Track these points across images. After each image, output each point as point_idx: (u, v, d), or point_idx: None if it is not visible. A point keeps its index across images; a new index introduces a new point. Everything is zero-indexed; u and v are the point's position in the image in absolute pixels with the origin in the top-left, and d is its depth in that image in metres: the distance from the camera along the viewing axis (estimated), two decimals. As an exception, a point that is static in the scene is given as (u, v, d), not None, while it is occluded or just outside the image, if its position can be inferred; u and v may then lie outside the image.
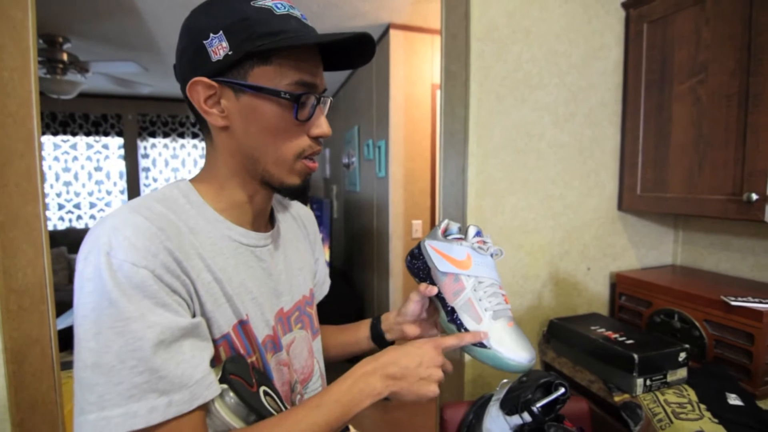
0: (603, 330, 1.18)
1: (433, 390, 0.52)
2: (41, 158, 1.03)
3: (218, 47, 0.47)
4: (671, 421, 0.92)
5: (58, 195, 4.04)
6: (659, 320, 1.24)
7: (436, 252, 0.63)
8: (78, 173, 4.07)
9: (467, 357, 1.30)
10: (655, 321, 1.25)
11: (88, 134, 4.06)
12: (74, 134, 4.01)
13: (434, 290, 0.62)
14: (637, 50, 1.28)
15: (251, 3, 0.48)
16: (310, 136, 0.53)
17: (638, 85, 1.28)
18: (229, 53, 0.47)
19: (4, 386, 0.90)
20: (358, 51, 0.54)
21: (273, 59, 0.48)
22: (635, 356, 1.01)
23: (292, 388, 0.59)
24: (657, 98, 1.23)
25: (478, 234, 0.63)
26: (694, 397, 0.99)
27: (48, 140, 3.96)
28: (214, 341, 0.48)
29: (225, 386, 0.44)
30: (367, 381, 0.50)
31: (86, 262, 0.41)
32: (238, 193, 0.54)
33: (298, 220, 0.71)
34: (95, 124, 4.07)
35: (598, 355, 1.12)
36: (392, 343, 0.73)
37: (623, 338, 1.11)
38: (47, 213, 4.37)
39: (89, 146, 4.09)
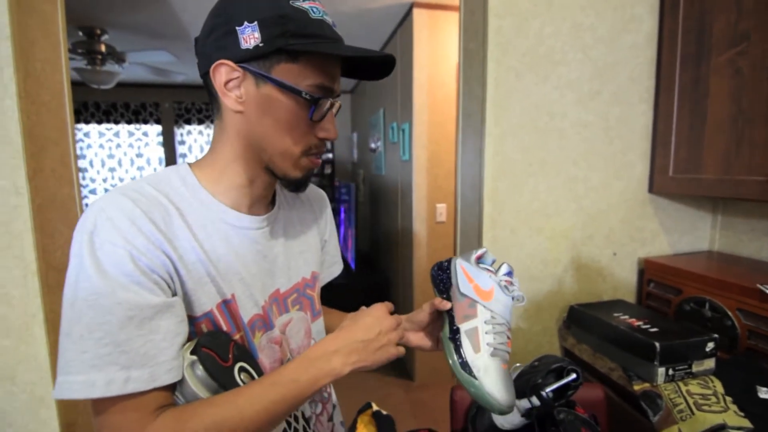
0: (626, 317, 1.14)
1: (391, 353, 0.55)
2: (75, 145, 1.09)
3: (250, 36, 0.48)
4: (692, 413, 0.88)
5: (105, 180, 4.30)
6: (689, 308, 1.18)
7: (464, 273, 0.64)
8: (121, 160, 4.30)
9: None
10: (684, 309, 1.19)
11: (129, 122, 4.27)
12: (116, 122, 4.23)
13: (447, 305, 0.62)
14: (673, 20, 1.18)
15: (290, 2, 0.49)
16: (317, 136, 0.55)
17: (673, 59, 1.19)
18: (260, 45, 0.48)
19: (47, 355, 0.98)
20: (377, 67, 0.56)
21: (300, 59, 0.50)
22: (657, 344, 0.96)
23: None
24: (693, 72, 1.14)
25: (509, 274, 0.64)
26: (720, 388, 0.94)
27: (93, 129, 4.20)
28: (196, 318, 0.50)
29: (194, 358, 0.45)
30: (328, 360, 0.50)
31: (74, 239, 0.45)
32: (239, 176, 0.55)
33: (306, 203, 0.71)
34: (135, 113, 4.27)
35: (618, 343, 1.08)
36: None
37: (647, 326, 1.07)
38: (94, 198, 4.61)
39: (131, 134, 4.30)
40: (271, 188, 0.60)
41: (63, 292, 0.44)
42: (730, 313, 1.07)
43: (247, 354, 0.51)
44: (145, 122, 4.30)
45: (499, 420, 0.91)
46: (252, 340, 0.55)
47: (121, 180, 4.32)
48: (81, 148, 4.18)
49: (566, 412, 0.86)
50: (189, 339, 0.49)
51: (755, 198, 1.02)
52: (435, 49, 2.25)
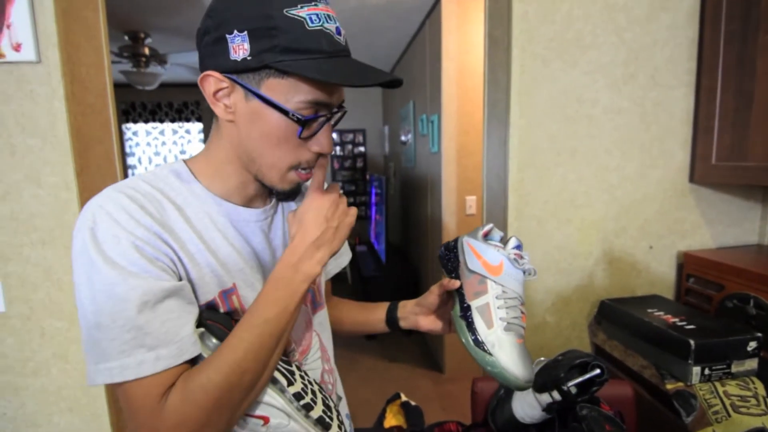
0: (661, 313, 1.09)
1: (349, 223, 0.54)
2: (121, 142, 1.17)
3: (239, 46, 0.46)
4: (729, 415, 0.84)
5: (151, 176, 4.56)
6: (731, 305, 1.11)
7: (471, 249, 0.62)
8: (166, 156, 4.55)
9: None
10: (726, 306, 1.12)
11: (173, 121, 4.49)
12: (161, 121, 4.47)
13: (456, 284, 0.61)
14: (717, -4, 1.10)
15: (284, 11, 0.46)
16: (310, 150, 0.53)
17: (716, 38, 1.11)
18: (248, 58, 0.46)
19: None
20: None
21: (290, 75, 0.47)
22: (691, 342, 0.92)
23: (286, 355, 0.60)
24: (738, 51, 1.06)
25: (518, 247, 0.62)
26: (762, 390, 0.88)
27: (141, 128, 4.46)
28: (200, 306, 0.51)
29: (202, 330, 0.47)
30: (296, 271, 0.50)
31: (76, 239, 0.46)
32: (231, 178, 0.55)
33: None
34: (178, 111, 4.49)
35: (651, 340, 1.04)
36: (406, 330, 0.73)
37: (683, 323, 1.01)
38: None
39: (174, 132, 4.53)
40: (266, 187, 0.59)
41: (76, 293, 0.45)
42: (777, 311, 1.00)
43: None
44: (187, 120, 4.51)
45: (519, 413, 0.90)
46: None
47: (166, 176, 4.57)
48: (130, 147, 4.45)
49: (589, 408, 0.84)
50: None
51: (809, 186, 0.94)
52: (464, 39, 2.21)
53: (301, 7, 0.46)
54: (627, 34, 1.15)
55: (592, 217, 1.23)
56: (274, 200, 0.62)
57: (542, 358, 0.92)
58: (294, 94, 0.48)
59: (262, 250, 0.58)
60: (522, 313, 0.59)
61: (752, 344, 0.92)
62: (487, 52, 1.24)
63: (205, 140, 4.56)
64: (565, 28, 1.12)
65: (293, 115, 0.48)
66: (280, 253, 0.61)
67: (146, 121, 4.44)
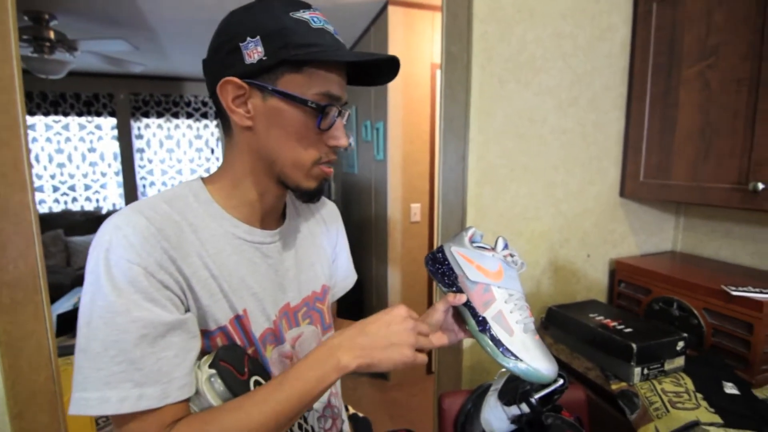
0: (601, 318, 1.18)
1: (405, 355, 0.50)
2: (28, 146, 0.99)
3: (253, 51, 0.50)
4: (667, 410, 0.93)
5: (53, 177, 3.99)
6: (658, 308, 1.24)
7: (466, 260, 0.63)
8: (71, 154, 4.00)
9: (465, 343, 1.31)
10: (653, 308, 1.25)
11: (80, 114, 3.97)
12: (66, 114, 3.92)
13: (463, 298, 0.62)
14: (645, 31, 1.23)
15: (290, 14, 0.50)
16: (327, 145, 0.55)
17: (645, 69, 1.24)
18: (264, 58, 0.50)
19: (0, 380, 0.89)
20: (383, 71, 0.57)
21: (304, 69, 0.51)
22: (634, 346, 1.01)
23: None
24: (664, 82, 1.19)
25: (506, 246, 0.64)
26: (690, 386, 1.00)
27: (39, 121, 3.87)
28: (211, 332, 0.51)
29: (213, 371, 0.47)
30: (332, 354, 0.49)
31: (90, 256, 0.46)
32: (250, 191, 0.56)
33: (317, 215, 0.72)
34: (87, 104, 3.97)
35: (596, 344, 1.12)
36: None
37: (621, 326, 1.11)
38: (42, 195, 4.21)
39: (82, 127, 4.00)
40: (282, 200, 0.61)
41: (79, 308, 0.45)
42: (696, 313, 1.13)
43: (260, 367, 0.53)
44: (98, 114, 4.02)
45: (487, 427, 0.92)
46: (264, 354, 0.56)
47: (71, 176, 4.02)
48: (25, 142, 3.85)
49: (553, 417, 0.88)
50: (203, 352, 0.50)
51: (720, 204, 1.08)
52: (410, 48, 2.24)
53: (303, 12, 0.51)
54: (572, 60, 1.23)
55: (541, 229, 1.30)
56: (286, 221, 0.63)
57: (503, 370, 0.95)
58: (309, 87, 0.51)
59: (274, 272, 0.59)
60: (528, 308, 0.62)
61: (680, 344, 1.04)
62: (444, 68, 1.26)
63: (119, 137, 4.10)
64: (519, 50, 1.17)
65: (312, 103, 0.51)
66: (291, 273, 0.61)
67: (46, 114, 3.87)
